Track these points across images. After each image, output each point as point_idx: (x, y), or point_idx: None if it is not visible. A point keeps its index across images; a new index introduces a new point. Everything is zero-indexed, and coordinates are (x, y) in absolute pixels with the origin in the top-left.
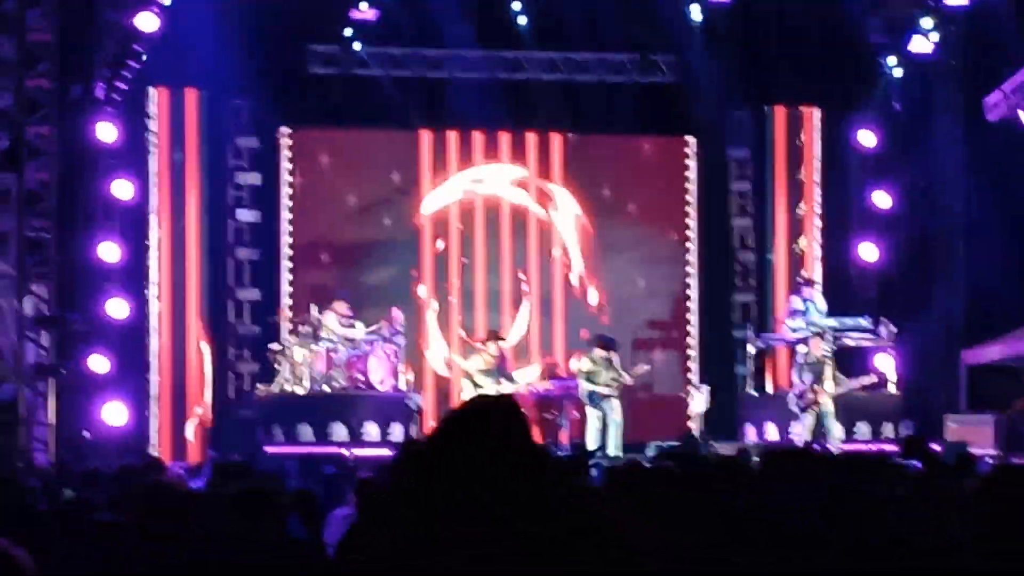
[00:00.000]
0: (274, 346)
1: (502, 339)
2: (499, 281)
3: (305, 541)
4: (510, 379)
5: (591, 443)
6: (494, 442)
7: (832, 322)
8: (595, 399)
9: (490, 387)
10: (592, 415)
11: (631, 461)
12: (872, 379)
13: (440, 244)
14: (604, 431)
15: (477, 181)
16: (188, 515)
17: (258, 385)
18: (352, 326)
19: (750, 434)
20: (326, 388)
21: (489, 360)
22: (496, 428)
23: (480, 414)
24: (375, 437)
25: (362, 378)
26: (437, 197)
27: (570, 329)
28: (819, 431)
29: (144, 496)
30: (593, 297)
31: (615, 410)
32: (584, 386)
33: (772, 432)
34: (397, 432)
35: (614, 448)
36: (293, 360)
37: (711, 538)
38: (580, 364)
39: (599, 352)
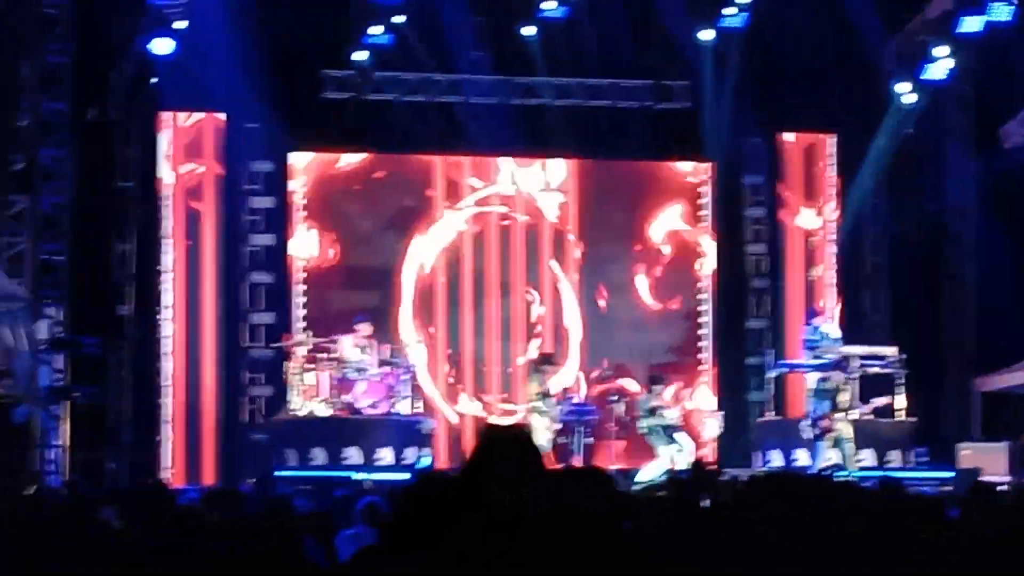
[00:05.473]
0: (290, 369)
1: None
2: (510, 307)
3: (325, 567)
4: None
5: (651, 475)
6: (510, 469)
7: (859, 349)
8: (671, 433)
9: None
10: (666, 451)
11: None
12: (885, 400)
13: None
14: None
15: (476, 205)
16: (203, 541)
17: (283, 411)
18: (361, 350)
19: (775, 459)
20: (335, 412)
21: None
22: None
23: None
24: (390, 461)
25: (351, 401)
26: (437, 233)
27: (589, 344)
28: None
29: (158, 522)
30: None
31: (690, 441)
32: (658, 421)
33: (780, 460)
34: (410, 455)
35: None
36: (305, 384)
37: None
38: (648, 402)
39: (656, 387)
